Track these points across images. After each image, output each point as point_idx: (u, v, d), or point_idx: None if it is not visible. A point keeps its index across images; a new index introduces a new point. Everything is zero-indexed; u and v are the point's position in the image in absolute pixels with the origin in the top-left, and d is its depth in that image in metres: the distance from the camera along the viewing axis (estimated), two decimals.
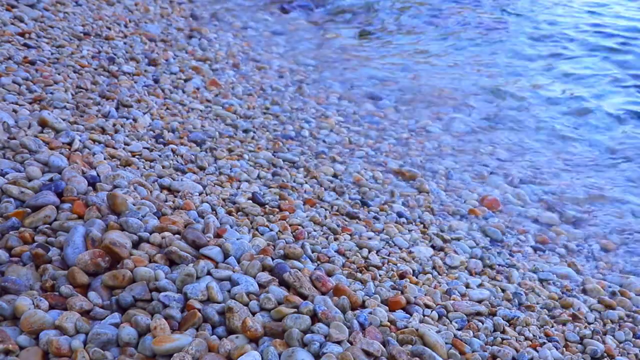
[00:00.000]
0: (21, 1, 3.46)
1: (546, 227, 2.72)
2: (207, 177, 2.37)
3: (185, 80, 3.43)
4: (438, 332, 1.62)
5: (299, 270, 1.70)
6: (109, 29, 3.74)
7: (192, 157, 2.50)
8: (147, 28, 4.13)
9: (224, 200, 2.20)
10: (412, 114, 3.90)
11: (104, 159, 2.16)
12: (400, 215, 2.45)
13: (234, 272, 1.65)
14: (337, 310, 1.56)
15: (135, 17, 4.28)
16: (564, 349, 1.76)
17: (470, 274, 2.11)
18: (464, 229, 2.49)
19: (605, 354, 1.77)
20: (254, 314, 1.51)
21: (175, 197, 2.11)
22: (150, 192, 2.07)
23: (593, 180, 3.20)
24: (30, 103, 2.42)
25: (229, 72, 3.87)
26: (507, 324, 1.79)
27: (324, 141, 3.17)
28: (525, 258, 2.37)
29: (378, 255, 2.04)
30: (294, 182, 2.55)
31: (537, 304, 1.98)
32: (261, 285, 1.62)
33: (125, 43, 3.62)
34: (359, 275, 1.84)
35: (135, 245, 1.69)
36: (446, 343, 1.59)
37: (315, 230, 2.11)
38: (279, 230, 2.03)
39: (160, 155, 2.41)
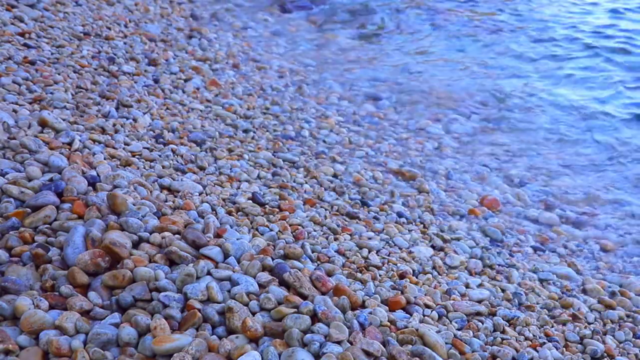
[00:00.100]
0: (21, 1, 3.46)
1: (546, 227, 2.72)
2: (207, 177, 2.36)
3: (185, 80, 3.43)
4: (438, 332, 1.62)
5: (299, 270, 1.70)
6: (109, 29, 3.73)
7: (192, 157, 2.50)
8: (147, 28, 4.13)
9: (224, 200, 2.19)
10: (411, 114, 3.90)
11: (104, 159, 2.16)
12: (400, 215, 2.45)
13: (234, 272, 1.65)
14: (337, 310, 1.56)
15: (135, 17, 4.28)
16: (564, 349, 1.76)
17: (470, 274, 2.11)
18: (463, 229, 2.49)
19: (605, 354, 1.76)
20: (254, 314, 1.51)
21: (175, 197, 2.11)
22: (150, 192, 2.06)
23: (593, 181, 3.21)
24: (30, 103, 2.42)
25: (229, 72, 3.86)
26: (507, 324, 1.79)
27: (324, 141, 3.17)
28: (525, 258, 2.37)
29: (378, 255, 2.04)
30: (294, 182, 2.55)
31: (537, 304, 1.98)
32: (261, 285, 1.62)
33: (125, 43, 3.62)
34: (359, 275, 1.84)
35: (135, 245, 1.69)
36: (446, 343, 1.59)
37: (315, 230, 2.11)
38: (279, 230, 2.03)
39: (160, 155, 2.41)
